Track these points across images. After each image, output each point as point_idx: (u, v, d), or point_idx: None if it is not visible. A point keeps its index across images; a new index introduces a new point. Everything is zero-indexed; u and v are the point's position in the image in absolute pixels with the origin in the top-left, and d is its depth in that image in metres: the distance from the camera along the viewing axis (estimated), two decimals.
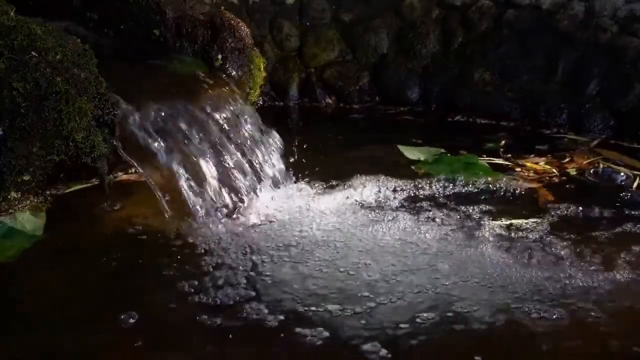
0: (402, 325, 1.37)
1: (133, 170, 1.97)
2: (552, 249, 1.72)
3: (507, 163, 2.39)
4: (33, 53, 1.57)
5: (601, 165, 2.33)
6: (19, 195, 1.70)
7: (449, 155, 2.45)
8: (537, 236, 1.79)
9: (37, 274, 1.60)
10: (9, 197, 1.67)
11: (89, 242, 1.73)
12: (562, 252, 1.70)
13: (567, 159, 2.45)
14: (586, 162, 2.40)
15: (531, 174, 2.28)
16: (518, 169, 2.33)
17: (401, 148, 2.49)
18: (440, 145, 2.53)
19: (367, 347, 1.30)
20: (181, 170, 1.84)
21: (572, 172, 2.31)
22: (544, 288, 1.52)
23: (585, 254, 1.69)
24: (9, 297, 1.50)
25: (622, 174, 2.27)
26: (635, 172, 2.29)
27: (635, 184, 2.19)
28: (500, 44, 3.06)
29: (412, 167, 2.32)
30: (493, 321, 1.40)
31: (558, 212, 1.95)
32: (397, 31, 3.27)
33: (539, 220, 1.88)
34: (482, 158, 2.42)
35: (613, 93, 2.77)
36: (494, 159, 2.43)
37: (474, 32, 3.14)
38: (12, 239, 1.69)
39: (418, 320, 1.39)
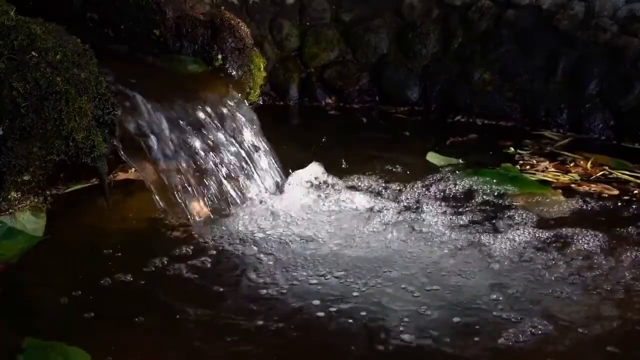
0: None
1: (133, 169, 1.97)
2: None
3: (551, 180, 2.27)
4: (33, 53, 1.57)
5: (599, 172, 2.31)
6: (19, 195, 1.70)
7: (489, 168, 2.31)
8: None
9: (37, 274, 1.60)
10: (9, 197, 1.67)
11: (90, 242, 1.73)
12: None
13: (571, 163, 2.42)
14: (590, 166, 2.38)
15: (593, 187, 2.19)
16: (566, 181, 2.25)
17: (429, 156, 2.42)
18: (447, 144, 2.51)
19: None
20: (180, 171, 1.84)
21: (577, 177, 2.28)
22: None
23: None
24: (10, 297, 1.50)
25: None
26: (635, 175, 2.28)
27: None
28: (500, 44, 3.05)
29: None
30: None
31: None
32: (397, 31, 3.27)
33: None
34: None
35: (613, 93, 2.77)
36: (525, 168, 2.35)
37: (474, 32, 3.13)
38: (13, 239, 1.69)
39: None
